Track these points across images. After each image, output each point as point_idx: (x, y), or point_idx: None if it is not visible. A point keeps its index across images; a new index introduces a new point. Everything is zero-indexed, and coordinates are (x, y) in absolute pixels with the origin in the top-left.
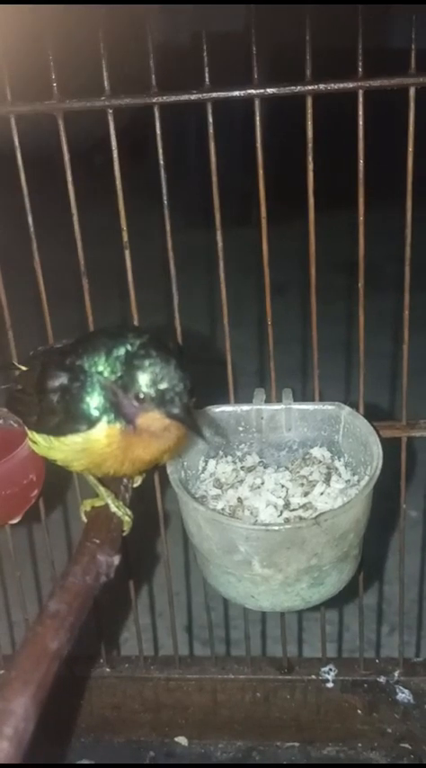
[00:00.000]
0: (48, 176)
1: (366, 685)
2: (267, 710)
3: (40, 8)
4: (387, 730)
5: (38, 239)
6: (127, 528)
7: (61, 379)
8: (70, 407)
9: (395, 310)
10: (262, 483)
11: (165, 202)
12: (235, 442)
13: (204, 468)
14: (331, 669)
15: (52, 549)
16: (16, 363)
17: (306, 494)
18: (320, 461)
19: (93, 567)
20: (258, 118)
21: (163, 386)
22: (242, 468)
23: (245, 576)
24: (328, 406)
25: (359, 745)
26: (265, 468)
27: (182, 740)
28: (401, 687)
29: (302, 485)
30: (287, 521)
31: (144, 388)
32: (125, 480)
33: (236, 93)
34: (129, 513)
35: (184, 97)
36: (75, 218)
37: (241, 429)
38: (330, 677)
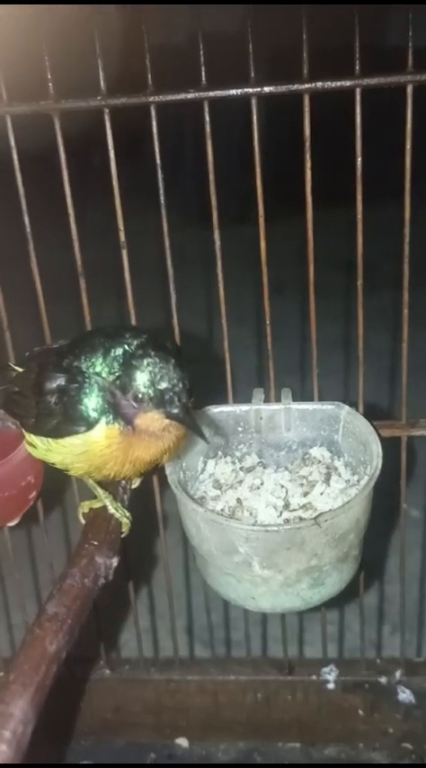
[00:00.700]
0: (44, 176)
1: (367, 686)
2: (268, 711)
3: (37, 8)
4: (389, 730)
5: (34, 239)
6: (125, 529)
7: (59, 381)
8: (68, 409)
9: (394, 308)
10: (262, 483)
11: (162, 201)
12: (234, 442)
13: (203, 469)
14: (332, 670)
15: (51, 551)
16: (12, 365)
17: (305, 494)
18: (319, 461)
19: (91, 569)
20: (255, 116)
21: (161, 386)
22: (241, 468)
23: (245, 577)
24: (327, 406)
25: (361, 745)
26: (264, 468)
27: (183, 742)
28: (402, 687)
29: (302, 485)
30: (286, 521)
31: (142, 389)
32: (123, 482)
33: (233, 92)
34: (128, 514)
35: (181, 96)
36: (72, 218)
37: (240, 429)
38: (331, 678)
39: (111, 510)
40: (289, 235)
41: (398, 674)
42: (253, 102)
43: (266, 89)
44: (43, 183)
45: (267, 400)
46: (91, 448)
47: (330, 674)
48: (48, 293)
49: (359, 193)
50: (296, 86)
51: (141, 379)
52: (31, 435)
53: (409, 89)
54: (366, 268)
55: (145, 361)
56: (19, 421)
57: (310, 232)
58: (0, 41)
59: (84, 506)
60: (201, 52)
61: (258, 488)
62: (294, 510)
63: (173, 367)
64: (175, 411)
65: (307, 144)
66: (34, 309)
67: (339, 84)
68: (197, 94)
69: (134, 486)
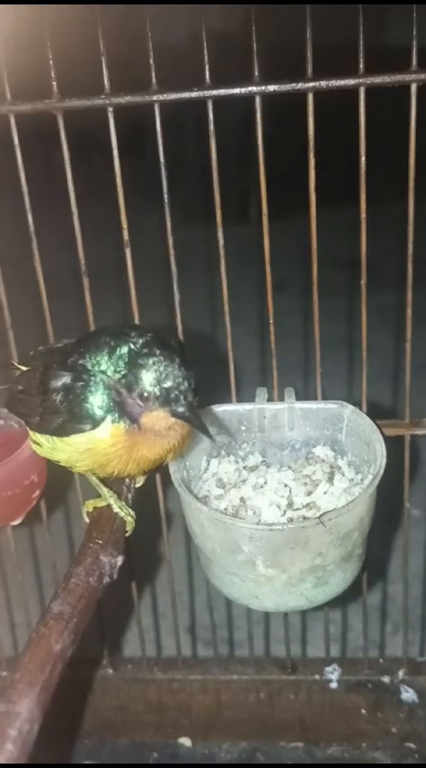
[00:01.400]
0: (45, 175)
1: (370, 685)
2: (271, 711)
3: (39, 7)
4: (392, 730)
5: (35, 238)
6: (129, 528)
7: (64, 379)
8: (73, 407)
9: (397, 307)
10: (265, 482)
11: (166, 200)
12: (238, 441)
13: (206, 468)
14: (335, 669)
15: (54, 550)
16: (16, 363)
17: (309, 493)
18: (323, 460)
19: (96, 567)
20: (259, 115)
21: (167, 384)
22: (244, 467)
23: (249, 576)
24: (331, 405)
25: (364, 744)
26: (268, 467)
27: (186, 741)
28: (405, 686)
29: (305, 484)
30: (290, 520)
31: (148, 387)
32: (127, 480)
33: (237, 91)
34: (132, 513)
35: (185, 95)
36: (76, 216)
37: (243, 428)
38: (334, 677)
39: (116, 509)
40: (289, 233)
41: (401, 673)
42: (257, 100)
43: (270, 87)
44: (43, 181)
45: (270, 399)
46: (96, 446)
47: (333, 674)
48: (50, 292)
49: (362, 192)
50: (300, 85)
51: (147, 377)
52: (36, 434)
53: (413, 88)
54: (368, 267)
55: (150, 360)
56: (23, 420)
57: (313, 231)
58: (3, 40)
59: (89, 505)
60: (205, 51)
61: (261, 487)
62: (297, 509)
63: (178, 365)
64: (181, 409)
65: (311, 142)
66: (36, 308)
67: (343, 82)
68: (200, 93)
69: (138, 485)
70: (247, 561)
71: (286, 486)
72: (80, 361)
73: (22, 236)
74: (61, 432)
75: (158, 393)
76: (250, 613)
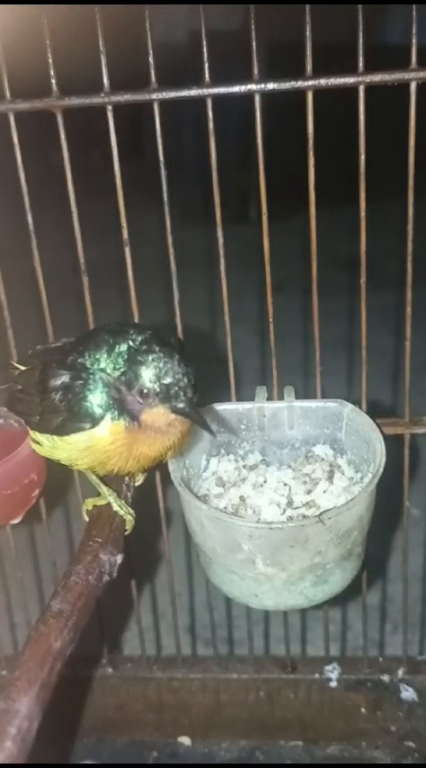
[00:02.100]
0: (44, 174)
1: (369, 684)
2: (270, 710)
3: (39, 6)
4: (391, 729)
5: (35, 237)
6: (129, 527)
7: (63, 378)
8: (73, 406)
9: (396, 306)
10: (265, 481)
11: (165, 199)
12: (237, 440)
13: (206, 467)
14: (334, 668)
15: (54, 548)
16: (15, 363)
17: (309, 492)
18: (323, 459)
19: (95, 566)
20: (258, 113)
21: (167, 380)
22: (244, 466)
23: (249, 574)
24: (330, 404)
25: (363, 743)
26: (267, 466)
27: (186, 740)
28: (405, 685)
29: (305, 482)
30: (290, 519)
31: (148, 384)
32: (127, 479)
33: (237, 89)
34: (132, 511)
35: (184, 93)
36: (75, 215)
37: (243, 427)
38: (333, 676)
39: (115, 507)
40: (288, 233)
41: (400, 672)
42: (257, 98)
43: (269, 86)
44: (42, 180)
45: (270, 398)
46: (96, 444)
47: (332, 673)
48: (49, 291)
49: (362, 191)
50: (299, 83)
51: (146, 374)
52: (36, 433)
53: (412, 86)
54: (367, 266)
55: (150, 357)
56: (23, 419)
57: (313, 230)
58: (2, 39)
59: (88, 504)
60: (204, 49)
61: (261, 486)
62: (297, 507)
63: (177, 362)
64: (181, 405)
65: (311, 141)
66: (34, 308)
67: (342, 80)
68: (200, 91)
69: (137, 484)
70: (247, 560)
71: (285, 484)
72: (79, 360)
73: (21, 234)
74: (61, 430)
75: (158, 389)
76: (249, 612)
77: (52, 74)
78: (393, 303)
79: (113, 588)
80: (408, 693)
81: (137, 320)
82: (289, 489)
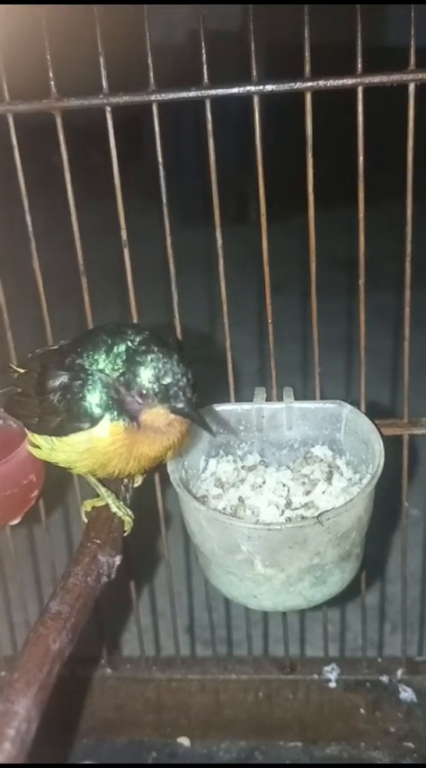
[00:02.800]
0: (43, 175)
1: (368, 684)
2: (270, 710)
3: (38, 7)
4: (390, 729)
5: (34, 239)
6: (128, 528)
7: (61, 379)
8: (72, 406)
9: (395, 307)
10: (264, 482)
11: (164, 201)
12: (236, 441)
13: (205, 468)
14: (333, 668)
15: (53, 549)
16: (14, 366)
17: (307, 492)
18: (321, 460)
19: (94, 567)
20: (257, 115)
21: (166, 380)
22: (243, 467)
23: (247, 575)
24: (329, 405)
25: (362, 744)
26: (266, 467)
27: (185, 741)
28: (404, 686)
29: (303, 483)
30: (289, 520)
31: (147, 384)
32: (125, 480)
33: (235, 90)
34: (130, 513)
35: (183, 94)
36: (74, 217)
37: (242, 428)
38: (332, 677)
39: (114, 509)
40: (287, 234)
41: (399, 672)
42: (255, 100)
43: (268, 87)
44: (41, 182)
45: (269, 399)
46: (95, 445)
47: (331, 673)
48: (49, 293)
49: (360, 192)
50: (298, 84)
51: (145, 374)
52: (35, 435)
53: (411, 87)
54: (366, 267)
55: (148, 357)
56: (22, 421)
57: (312, 231)
58: (1, 40)
59: (87, 505)
60: (203, 51)
61: (260, 487)
62: (296, 508)
63: (176, 362)
64: (180, 405)
65: (310, 143)
66: (31, 310)
67: (341, 82)
68: (199, 93)
69: (136, 485)
70: (245, 560)
71: (284, 485)
72: (77, 361)
73: (20, 236)
74: (60, 431)
75: (157, 389)
76: (248, 613)
77: (51, 75)
78: (391, 304)
79: (112, 589)
80: (407, 694)
81: (135, 321)
82: (288, 490)
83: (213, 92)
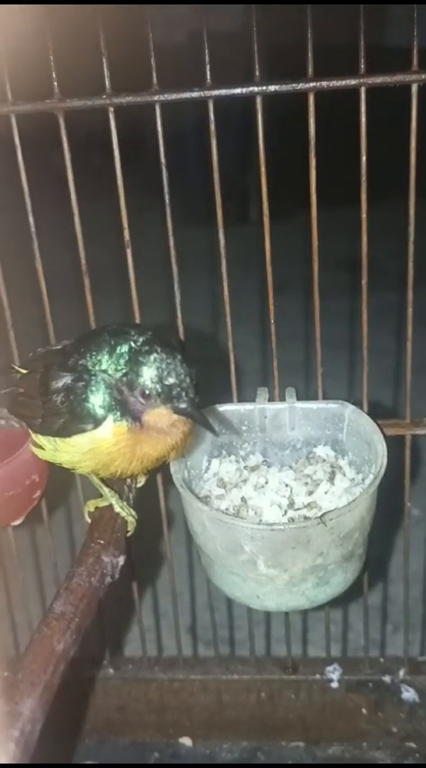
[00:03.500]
0: (45, 175)
1: (371, 685)
2: (272, 710)
3: (40, 8)
4: (393, 729)
5: (36, 239)
6: (131, 528)
7: (64, 380)
8: (75, 407)
9: (396, 306)
10: (266, 482)
11: (167, 201)
12: (239, 441)
13: (207, 468)
14: (335, 669)
15: (55, 550)
16: (16, 367)
17: (310, 493)
18: (324, 460)
19: (98, 568)
20: (260, 115)
21: (169, 381)
22: (245, 467)
23: (250, 575)
24: (332, 405)
25: (365, 744)
26: (269, 467)
27: (187, 741)
28: (406, 686)
29: (306, 484)
30: (291, 520)
31: (150, 384)
32: (129, 480)
33: (238, 91)
34: (133, 513)
35: (186, 95)
36: (77, 216)
37: (244, 428)
38: (335, 677)
39: (117, 509)
40: (288, 234)
41: (402, 672)
42: (258, 100)
43: (271, 88)
44: (43, 182)
45: (271, 399)
46: (99, 446)
47: (333, 673)
48: (51, 292)
49: (363, 192)
50: (301, 85)
51: (148, 374)
52: (38, 436)
53: (414, 88)
54: (368, 267)
55: (151, 357)
56: (26, 422)
57: (314, 231)
58: (4, 41)
59: (90, 505)
60: (206, 51)
61: (262, 487)
62: (298, 509)
63: (179, 362)
64: (183, 405)
65: (313, 143)
66: (37, 309)
67: (344, 82)
68: (202, 93)
69: (139, 485)
70: (249, 561)
71: (287, 485)
72: (80, 362)
73: (22, 236)
74: (63, 432)
75: (160, 390)
76: (251, 613)
77: (54, 76)
78: (394, 303)
79: (115, 589)
80: (409, 694)
81: (138, 321)
82: (291, 490)
83: (216, 92)
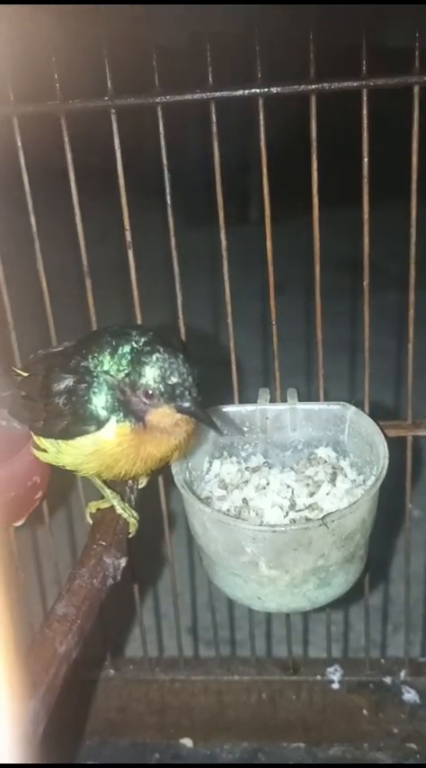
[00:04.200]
0: (43, 177)
1: (372, 685)
2: (273, 711)
3: (42, 9)
4: (393, 730)
5: (33, 241)
6: (133, 530)
7: (67, 381)
8: (77, 409)
9: (398, 307)
10: (268, 483)
11: (168, 202)
12: (240, 442)
13: (208, 469)
14: (336, 669)
15: (56, 551)
16: (17, 369)
17: (311, 494)
18: (325, 461)
19: (100, 569)
20: (262, 117)
21: (172, 380)
22: (246, 468)
23: (252, 577)
24: (333, 406)
25: (366, 745)
26: (270, 468)
27: (188, 742)
28: (407, 687)
29: (308, 485)
30: (293, 521)
31: (153, 384)
32: (130, 482)
33: (240, 93)
34: (135, 514)
35: (187, 97)
36: (78, 217)
37: (245, 429)
38: (335, 678)
39: (119, 510)
40: (289, 234)
41: (403, 673)
42: (260, 102)
43: (273, 89)
44: (44, 183)
45: (273, 400)
46: (102, 447)
47: (334, 674)
48: (52, 293)
49: (365, 194)
50: (303, 87)
51: (151, 374)
52: (41, 439)
53: (416, 90)
54: (370, 268)
55: (154, 357)
56: (28, 425)
57: (316, 232)
58: (6, 42)
59: (92, 507)
60: (208, 53)
61: (264, 488)
62: (300, 510)
63: (182, 362)
64: (187, 405)
65: (314, 144)
66: (38, 310)
67: (345, 84)
68: (203, 95)
69: (141, 487)
70: (250, 562)
71: (288, 487)
72: (82, 363)
73: (24, 237)
74: (66, 434)
75: (163, 389)
76: (251, 614)
77: (56, 77)
78: (395, 304)
79: (115, 590)
80: (410, 695)
81: (139, 322)
82: (292, 492)
83: (217, 94)
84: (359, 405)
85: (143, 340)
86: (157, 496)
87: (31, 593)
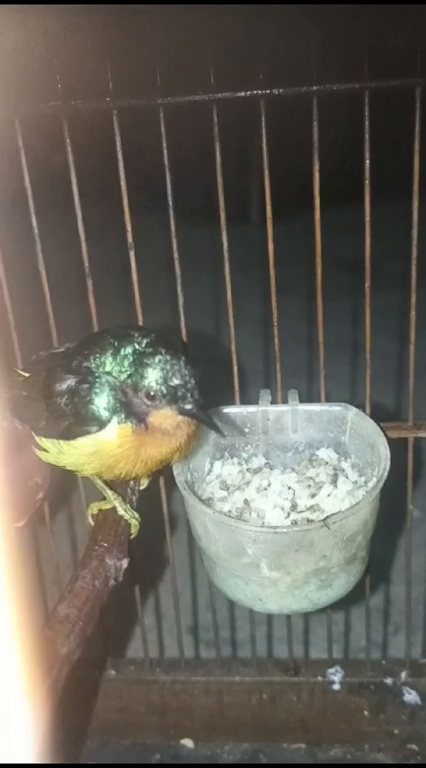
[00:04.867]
0: (47, 177)
1: (372, 687)
2: (273, 712)
3: (43, 9)
4: (394, 731)
5: (34, 241)
6: (134, 531)
7: (69, 382)
8: (79, 410)
9: (399, 308)
10: (269, 485)
11: (170, 203)
12: (241, 443)
13: (210, 470)
14: (337, 671)
15: (57, 552)
16: (18, 370)
17: (313, 495)
18: (327, 463)
19: (101, 570)
20: (264, 119)
21: (174, 382)
22: (248, 469)
23: (253, 578)
24: (335, 407)
25: (366, 746)
26: (271, 469)
27: (188, 742)
28: (408, 688)
29: (309, 486)
30: (294, 523)
31: (155, 385)
32: (132, 483)
33: (242, 94)
34: (137, 515)
35: (189, 98)
36: (80, 218)
37: (247, 430)
38: (336, 679)
39: (121, 511)
40: (289, 235)
41: (403, 675)
42: (262, 103)
43: (275, 91)
44: (45, 184)
45: (274, 401)
46: (103, 448)
47: (335, 675)
48: (53, 294)
49: (366, 194)
50: (304, 88)
51: (153, 375)
52: (42, 439)
53: (418, 91)
54: (371, 268)
55: (156, 359)
56: (29, 425)
57: (317, 233)
58: (7, 44)
59: (93, 508)
60: (209, 54)
61: (265, 490)
62: (301, 511)
63: (184, 363)
64: (188, 407)
65: (316, 145)
66: (39, 311)
67: (347, 86)
68: (205, 96)
69: (142, 487)
70: (251, 564)
71: (289, 488)
72: (84, 364)
73: (25, 238)
74: (67, 435)
75: (165, 391)
76: (252, 615)
77: (58, 78)
78: (396, 305)
79: (116, 590)
80: (411, 696)
81: (141, 323)
82: (293, 493)
83: (219, 95)
84: (361, 406)
85: (145, 341)
86: (158, 497)
87: (30, 593)
